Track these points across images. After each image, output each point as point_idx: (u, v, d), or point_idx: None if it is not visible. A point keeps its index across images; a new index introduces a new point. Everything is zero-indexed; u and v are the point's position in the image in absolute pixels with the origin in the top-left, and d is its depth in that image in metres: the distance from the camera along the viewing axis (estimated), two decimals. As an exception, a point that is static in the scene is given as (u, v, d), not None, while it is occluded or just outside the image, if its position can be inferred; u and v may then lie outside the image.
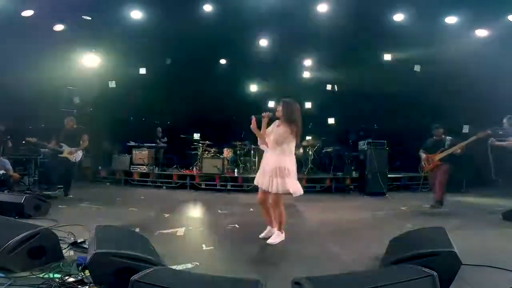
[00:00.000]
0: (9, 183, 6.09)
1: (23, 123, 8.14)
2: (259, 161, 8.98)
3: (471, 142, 5.20)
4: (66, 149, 6.12)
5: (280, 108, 3.53)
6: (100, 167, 8.83)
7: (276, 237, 3.57)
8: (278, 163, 3.40)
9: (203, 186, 7.77)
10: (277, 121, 3.60)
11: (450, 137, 5.60)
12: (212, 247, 3.42)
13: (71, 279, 2.35)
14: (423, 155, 5.74)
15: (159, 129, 9.77)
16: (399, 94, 9.40)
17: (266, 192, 3.51)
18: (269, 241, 3.53)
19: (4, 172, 6.00)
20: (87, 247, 2.75)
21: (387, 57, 9.09)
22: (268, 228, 3.72)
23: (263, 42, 9.46)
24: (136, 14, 8.34)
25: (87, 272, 2.38)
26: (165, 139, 9.66)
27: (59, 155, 6.09)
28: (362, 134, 9.10)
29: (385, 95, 9.47)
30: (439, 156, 5.49)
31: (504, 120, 5.51)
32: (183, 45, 9.21)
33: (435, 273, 1.92)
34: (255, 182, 3.64)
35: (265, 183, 3.44)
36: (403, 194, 7.43)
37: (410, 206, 5.92)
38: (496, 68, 7.27)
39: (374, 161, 7.01)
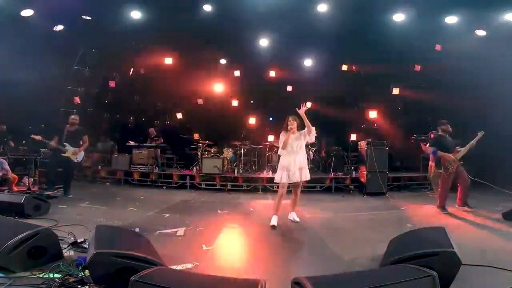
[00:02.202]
0: (8, 183, 6.09)
1: (23, 123, 8.14)
2: (259, 161, 9.05)
3: (478, 141, 5.20)
4: (69, 149, 6.13)
5: (294, 122, 4.40)
6: (100, 167, 8.83)
7: (296, 216, 4.65)
8: (305, 161, 4.53)
9: (203, 186, 7.77)
10: (286, 132, 4.41)
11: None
12: (212, 247, 3.42)
13: (71, 279, 2.36)
14: (448, 155, 5.21)
15: (151, 129, 9.72)
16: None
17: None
18: (298, 219, 4.59)
19: (1, 175, 6.00)
20: (87, 247, 2.74)
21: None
22: (275, 216, 4.38)
23: (263, 42, 9.50)
24: (136, 14, 8.35)
25: (87, 272, 2.38)
26: (161, 140, 9.56)
27: (62, 154, 6.09)
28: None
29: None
30: (458, 154, 5.25)
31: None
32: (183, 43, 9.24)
33: (435, 273, 1.92)
34: (287, 180, 4.35)
35: (298, 177, 4.36)
36: (403, 194, 7.43)
37: (410, 206, 5.91)
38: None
39: (374, 161, 7.00)
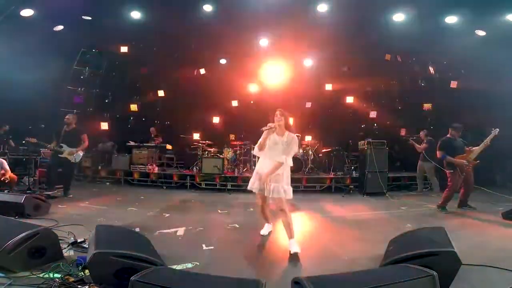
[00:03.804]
0: (6, 183, 6.07)
1: (23, 123, 8.14)
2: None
3: (493, 139, 5.09)
4: (66, 149, 6.11)
5: (282, 117, 3.43)
6: (100, 167, 8.82)
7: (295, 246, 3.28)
8: (282, 169, 3.37)
9: (203, 186, 7.76)
10: (270, 130, 3.42)
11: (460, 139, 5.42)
12: (212, 247, 3.42)
13: (71, 279, 2.36)
14: (459, 161, 5.18)
15: (152, 129, 9.72)
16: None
17: (264, 196, 3.50)
18: (297, 250, 3.17)
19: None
20: (87, 247, 2.75)
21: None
22: (266, 224, 3.98)
23: (263, 42, 9.50)
24: (136, 15, 8.35)
25: (87, 272, 2.38)
26: (160, 139, 9.55)
27: (59, 155, 6.08)
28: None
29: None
30: (472, 154, 5.19)
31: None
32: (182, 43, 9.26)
33: (435, 273, 1.93)
34: (257, 190, 3.53)
35: (266, 189, 3.37)
36: (403, 194, 7.43)
37: (410, 206, 5.91)
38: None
39: (374, 161, 7.00)
